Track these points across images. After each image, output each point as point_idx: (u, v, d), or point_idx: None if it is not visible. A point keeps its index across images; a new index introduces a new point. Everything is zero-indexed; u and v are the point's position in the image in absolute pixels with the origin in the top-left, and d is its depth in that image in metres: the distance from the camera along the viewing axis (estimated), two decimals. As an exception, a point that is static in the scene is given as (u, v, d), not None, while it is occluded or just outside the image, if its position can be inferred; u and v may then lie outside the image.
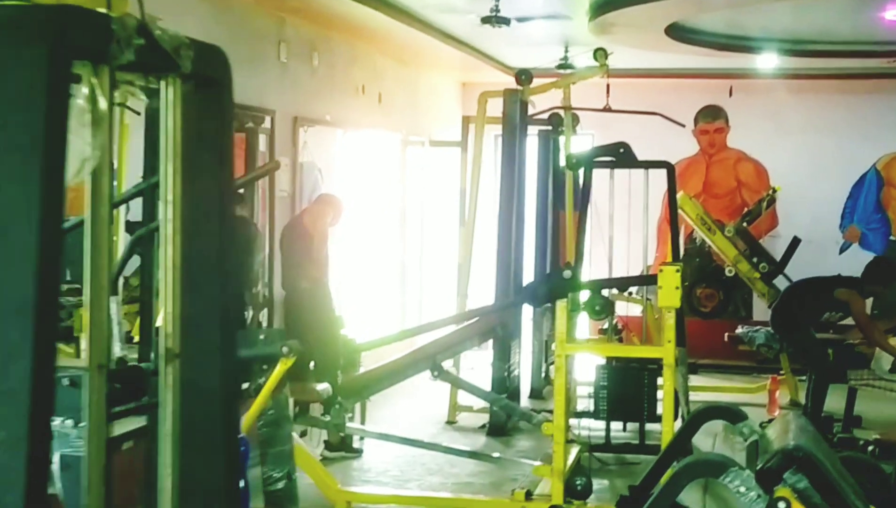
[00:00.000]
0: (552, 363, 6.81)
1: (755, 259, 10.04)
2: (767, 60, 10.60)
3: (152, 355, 3.41)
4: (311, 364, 6.72)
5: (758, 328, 9.95)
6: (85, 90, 1.81)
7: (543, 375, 9.82)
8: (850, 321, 8.46)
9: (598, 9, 7.94)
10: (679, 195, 9.27)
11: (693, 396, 8.26)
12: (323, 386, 6.16)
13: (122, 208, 5.52)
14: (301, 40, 8.56)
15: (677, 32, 8.94)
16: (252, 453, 4.78)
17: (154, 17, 1.96)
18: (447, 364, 7.03)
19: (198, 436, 2.13)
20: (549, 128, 9.80)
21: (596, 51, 9.27)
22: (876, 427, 8.31)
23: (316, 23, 8.70)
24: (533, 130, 9.65)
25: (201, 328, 2.13)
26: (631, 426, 7.84)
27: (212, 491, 2.17)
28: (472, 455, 7.00)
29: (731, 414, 4.26)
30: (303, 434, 6.66)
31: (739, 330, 10.18)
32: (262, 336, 4.79)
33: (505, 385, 8.57)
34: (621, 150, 7.80)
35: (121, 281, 5.12)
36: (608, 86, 9.62)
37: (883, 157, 12.33)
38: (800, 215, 11.98)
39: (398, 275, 11.36)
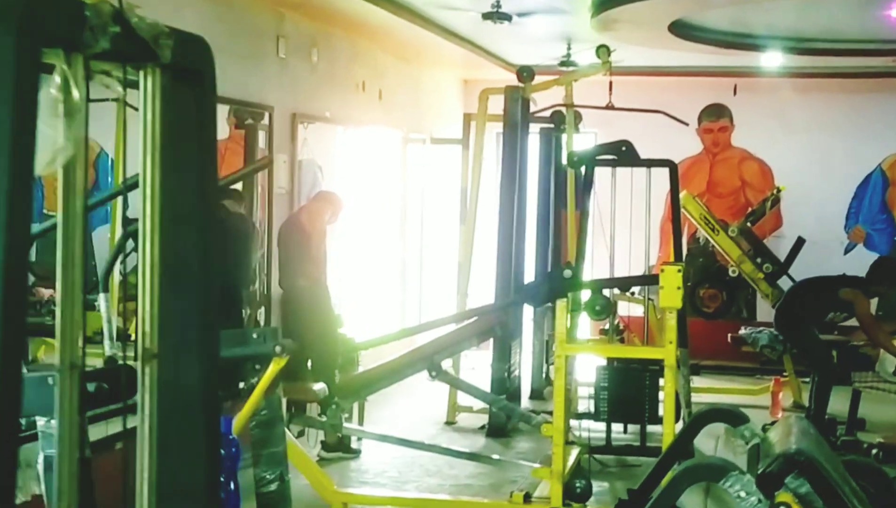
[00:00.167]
0: (553, 364, 6.74)
1: (759, 260, 9.98)
2: (772, 59, 10.52)
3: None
4: (309, 363, 6.67)
5: (761, 329, 9.88)
6: (57, 79, 1.74)
7: (544, 375, 9.77)
8: (854, 321, 8.39)
9: (601, 5, 7.87)
10: (682, 194, 9.21)
11: (696, 397, 8.21)
12: (319, 386, 6.11)
13: (120, 203, 5.47)
14: (300, 36, 8.50)
15: (681, 29, 8.87)
16: (244, 454, 4.72)
17: (132, 4, 1.89)
18: (446, 364, 6.96)
19: (177, 437, 2.08)
20: (551, 126, 9.75)
21: (599, 48, 9.22)
22: (880, 430, 8.24)
23: (316, 18, 8.65)
24: (535, 128, 9.60)
25: (181, 327, 2.07)
26: (632, 428, 7.78)
27: (191, 493, 2.11)
28: (471, 456, 6.94)
29: (733, 417, 4.21)
30: (300, 435, 6.60)
31: (743, 331, 10.11)
32: (255, 335, 4.70)
33: (505, 386, 8.51)
34: (624, 148, 7.73)
35: (118, 278, 5.06)
36: (611, 83, 9.57)
37: (889, 157, 12.25)
38: (804, 215, 11.91)
39: (398, 273, 11.30)
